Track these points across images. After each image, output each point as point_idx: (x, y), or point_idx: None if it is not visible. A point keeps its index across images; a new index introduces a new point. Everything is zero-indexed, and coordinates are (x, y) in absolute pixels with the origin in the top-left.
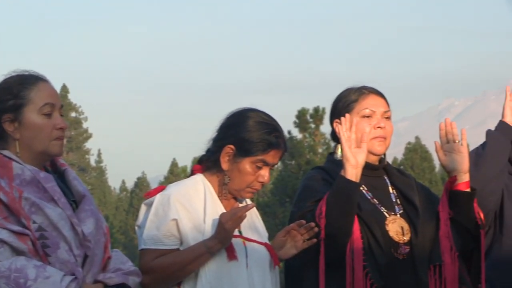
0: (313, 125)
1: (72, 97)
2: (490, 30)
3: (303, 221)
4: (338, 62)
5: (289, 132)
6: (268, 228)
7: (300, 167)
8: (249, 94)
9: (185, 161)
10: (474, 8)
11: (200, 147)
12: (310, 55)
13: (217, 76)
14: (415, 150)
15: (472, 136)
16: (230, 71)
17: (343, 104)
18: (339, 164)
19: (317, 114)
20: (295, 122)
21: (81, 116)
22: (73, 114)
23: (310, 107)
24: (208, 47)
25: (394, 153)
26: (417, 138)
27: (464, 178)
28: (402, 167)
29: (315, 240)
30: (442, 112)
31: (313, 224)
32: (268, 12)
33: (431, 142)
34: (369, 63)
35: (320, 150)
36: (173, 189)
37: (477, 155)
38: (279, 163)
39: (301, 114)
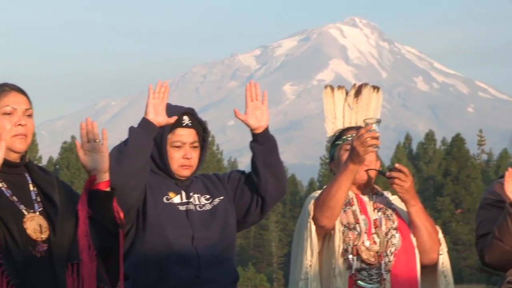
0: None
1: None
2: (174, 29)
3: None
4: None
5: None
6: None
7: None
8: None
9: None
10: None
11: None
12: None
13: None
14: (71, 149)
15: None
16: None
17: None
18: None
19: None
20: None
21: None
22: None
23: None
24: None
25: (50, 152)
26: (73, 137)
27: (103, 178)
28: (58, 166)
29: None
30: (99, 112)
31: None
32: None
33: None
34: (23, 61)
35: None
36: None
37: (119, 151)
38: None
39: None
